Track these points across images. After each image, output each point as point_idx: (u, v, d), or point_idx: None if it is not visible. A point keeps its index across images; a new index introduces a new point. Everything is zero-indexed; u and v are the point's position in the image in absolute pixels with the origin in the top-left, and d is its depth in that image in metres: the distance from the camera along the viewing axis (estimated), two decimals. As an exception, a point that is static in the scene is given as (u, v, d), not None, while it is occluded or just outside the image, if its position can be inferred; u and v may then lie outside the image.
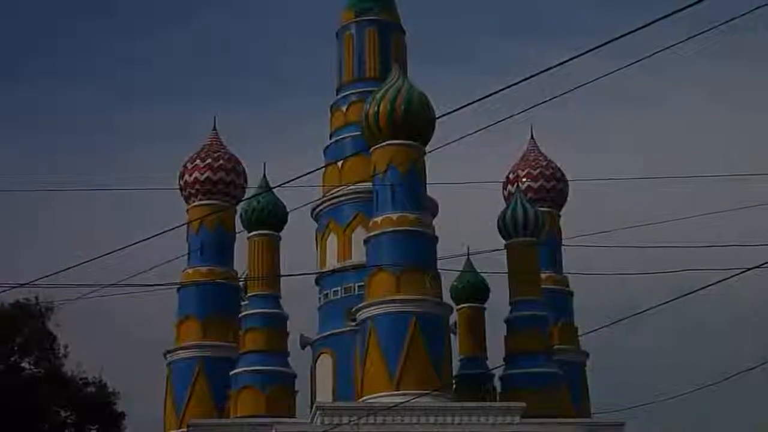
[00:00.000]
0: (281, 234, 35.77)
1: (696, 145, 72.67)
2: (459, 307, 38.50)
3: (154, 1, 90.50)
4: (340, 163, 35.87)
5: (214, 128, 39.25)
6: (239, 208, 36.72)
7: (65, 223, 75.85)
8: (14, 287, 23.21)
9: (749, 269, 17.40)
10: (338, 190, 36.11)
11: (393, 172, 31.99)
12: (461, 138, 16.84)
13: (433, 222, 33.24)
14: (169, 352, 36.67)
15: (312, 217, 37.45)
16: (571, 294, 38.82)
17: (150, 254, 23.97)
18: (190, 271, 37.08)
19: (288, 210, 35.33)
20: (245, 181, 38.31)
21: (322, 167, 35.96)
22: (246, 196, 37.47)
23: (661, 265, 23.26)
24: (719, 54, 71.29)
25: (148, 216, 55.83)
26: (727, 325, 63.35)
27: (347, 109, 37.32)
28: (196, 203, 37.67)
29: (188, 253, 37.35)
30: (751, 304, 57.17)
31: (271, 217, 35.37)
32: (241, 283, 38.02)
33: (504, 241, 35.73)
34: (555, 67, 13.15)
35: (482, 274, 39.05)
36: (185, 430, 33.14)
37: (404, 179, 31.98)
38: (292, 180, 16.99)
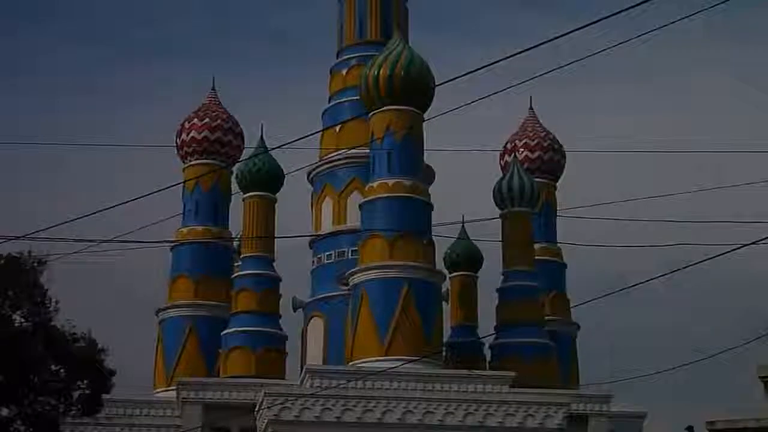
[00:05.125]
0: (277, 196, 35.76)
1: (695, 120, 72.56)
2: (452, 274, 38.53)
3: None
4: (337, 127, 35.75)
5: (213, 88, 39.12)
6: (235, 168, 36.67)
7: (63, 180, 75.82)
8: (9, 239, 23.15)
9: (744, 246, 17.40)
10: (335, 154, 36.04)
11: (390, 138, 31.92)
12: (460, 107, 16.78)
13: (429, 189, 33.19)
14: (161, 310, 36.72)
15: (308, 180, 37.40)
16: (564, 265, 38.86)
17: (146, 212, 23.95)
18: (184, 230, 37.06)
19: (284, 172, 35.33)
20: (242, 141, 38.23)
21: (320, 131, 35.87)
22: (243, 157, 37.41)
23: (655, 238, 23.25)
24: (721, 30, 71.16)
25: (145, 174, 55.81)
26: (720, 299, 63.54)
27: (347, 73, 37.19)
28: (192, 162, 37.56)
29: (183, 213, 37.33)
30: (743, 278, 57.30)
31: (267, 178, 35.34)
32: (235, 244, 38.04)
33: (499, 211, 35.73)
34: (556, 38, 13.08)
35: (476, 243, 39.10)
36: (174, 387, 33.21)
37: (401, 145, 31.90)
38: (290, 143, 16.95)
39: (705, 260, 17.35)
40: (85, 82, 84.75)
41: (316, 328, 35.19)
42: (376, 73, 32.19)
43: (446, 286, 35.43)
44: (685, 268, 17.81)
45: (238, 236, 37.44)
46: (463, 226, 39.07)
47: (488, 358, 35.62)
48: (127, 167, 64.32)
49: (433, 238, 32.20)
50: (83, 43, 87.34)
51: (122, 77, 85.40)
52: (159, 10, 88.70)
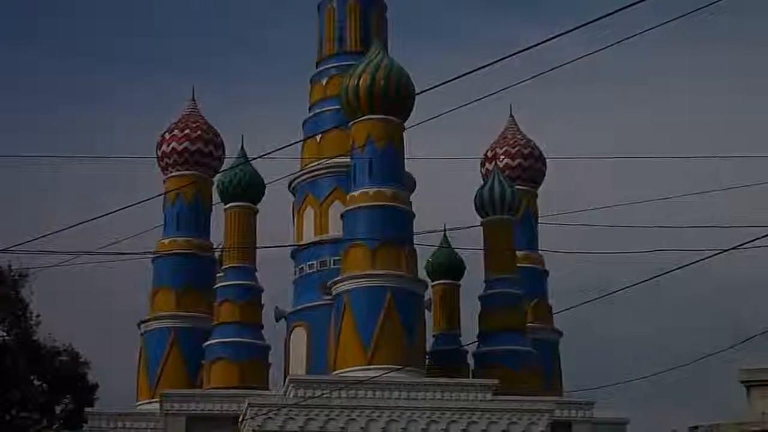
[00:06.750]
0: (258, 206, 35.73)
1: (674, 126, 72.90)
2: (434, 283, 38.53)
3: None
4: (318, 137, 35.78)
5: (193, 98, 39.07)
6: (216, 179, 36.62)
7: (43, 191, 75.56)
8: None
9: (724, 251, 17.52)
10: (316, 164, 36.05)
11: (371, 147, 31.96)
12: (440, 115, 16.87)
13: (411, 198, 33.23)
14: (142, 322, 36.60)
15: (289, 190, 37.40)
16: (546, 272, 38.94)
17: (127, 224, 23.93)
18: (165, 241, 36.97)
19: (265, 182, 35.29)
20: (223, 152, 38.16)
21: (300, 141, 35.87)
22: (223, 168, 37.36)
23: (636, 245, 23.36)
24: (699, 36, 71.60)
25: (126, 185, 55.64)
26: (701, 305, 63.84)
27: (327, 83, 37.21)
28: (173, 174, 37.48)
29: (164, 224, 37.25)
30: (725, 283, 57.58)
31: (248, 189, 35.27)
32: (216, 255, 37.96)
33: (480, 219, 35.79)
34: (535, 46, 13.16)
35: (458, 251, 39.11)
36: (158, 400, 33.11)
37: (382, 154, 31.96)
38: (270, 153, 16.99)
39: (681, 267, 17.47)
40: (66, 91, 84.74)
41: (299, 338, 35.16)
42: (356, 82, 32.24)
43: (429, 294, 35.46)
44: (664, 274, 17.92)
45: (220, 247, 37.37)
46: (444, 234, 39.06)
47: (471, 366, 35.64)
48: (108, 179, 64.21)
49: (415, 246, 32.24)
50: (65, 52, 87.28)
51: (102, 87, 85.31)
52: (138, 20, 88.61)
